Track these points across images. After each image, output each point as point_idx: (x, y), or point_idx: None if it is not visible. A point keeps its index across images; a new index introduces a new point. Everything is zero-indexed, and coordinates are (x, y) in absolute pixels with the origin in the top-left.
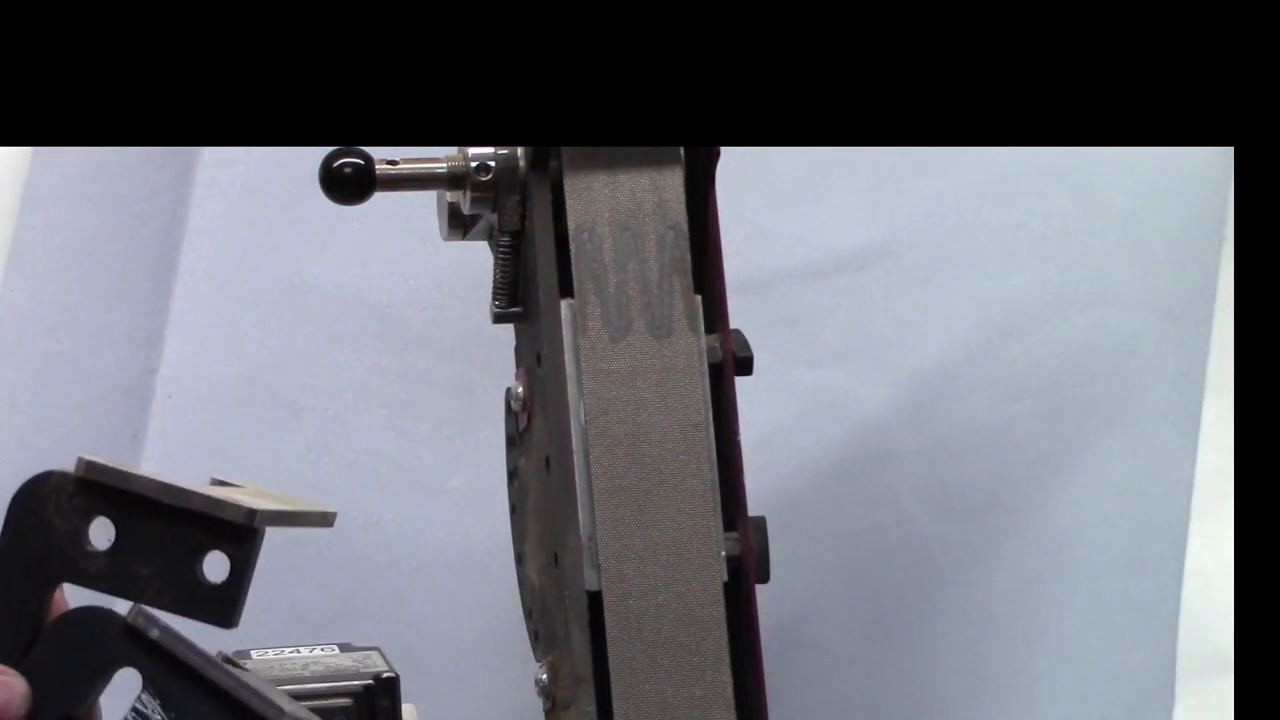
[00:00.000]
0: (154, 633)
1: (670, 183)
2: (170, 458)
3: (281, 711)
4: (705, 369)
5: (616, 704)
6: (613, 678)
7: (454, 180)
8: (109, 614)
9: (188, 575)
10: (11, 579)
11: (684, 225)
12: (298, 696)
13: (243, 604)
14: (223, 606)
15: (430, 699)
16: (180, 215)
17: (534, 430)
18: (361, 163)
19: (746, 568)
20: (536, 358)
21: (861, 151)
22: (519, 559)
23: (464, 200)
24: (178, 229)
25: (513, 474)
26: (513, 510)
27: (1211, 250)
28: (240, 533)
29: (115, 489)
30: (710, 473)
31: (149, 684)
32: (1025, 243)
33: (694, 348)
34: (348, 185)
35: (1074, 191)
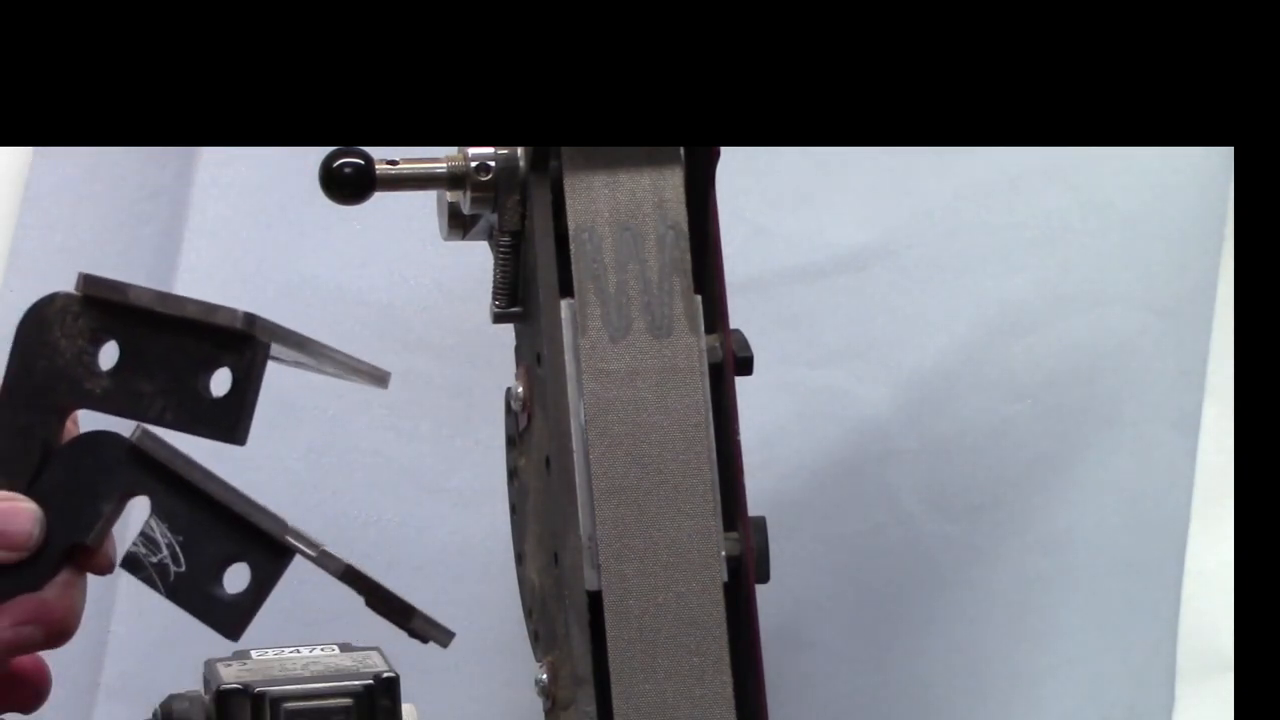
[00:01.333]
0: (157, 451)
1: (670, 183)
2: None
3: (285, 525)
4: (705, 369)
5: (616, 704)
6: (613, 678)
7: (454, 180)
8: (115, 436)
9: (190, 391)
10: (19, 403)
11: (684, 225)
12: (298, 696)
13: (248, 420)
14: (227, 421)
15: (430, 699)
16: (180, 215)
17: (534, 430)
18: (361, 163)
19: (746, 568)
20: (536, 358)
21: (861, 151)
22: (519, 559)
23: (464, 200)
24: (178, 229)
25: (513, 474)
26: (513, 510)
27: (1211, 250)
28: (240, 341)
29: (116, 304)
30: (710, 473)
31: (156, 507)
32: (1025, 243)
33: (694, 348)
34: (348, 185)
35: (1074, 191)
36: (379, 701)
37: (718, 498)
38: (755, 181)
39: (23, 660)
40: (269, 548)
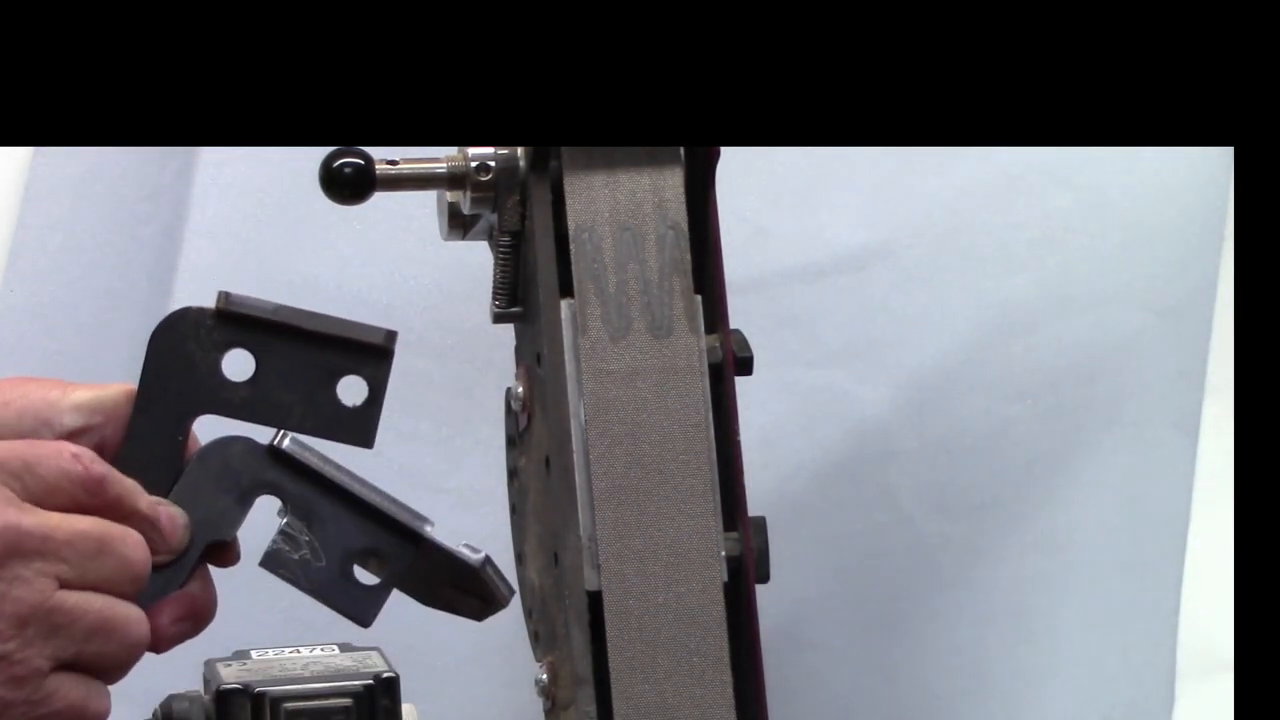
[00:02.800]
0: (305, 455)
1: (670, 183)
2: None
3: (424, 520)
4: (705, 369)
5: (616, 704)
6: (613, 678)
7: (454, 180)
8: (252, 441)
9: (328, 399)
10: (157, 414)
11: (684, 225)
12: (298, 697)
13: (377, 426)
14: (363, 427)
15: (430, 699)
16: (180, 215)
17: (534, 430)
18: (361, 163)
19: (746, 568)
20: (536, 358)
21: (861, 151)
22: (519, 559)
23: (464, 200)
24: (178, 229)
25: (513, 474)
26: (513, 510)
27: (1211, 250)
28: (378, 354)
29: (254, 319)
30: (710, 473)
31: (294, 507)
32: (1025, 243)
33: (694, 348)
34: (348, 185)
35: (1074, 191)
36: (379, 701)
37: (718, 498)
38: (755, 181)
39: None
40: (402, 536)
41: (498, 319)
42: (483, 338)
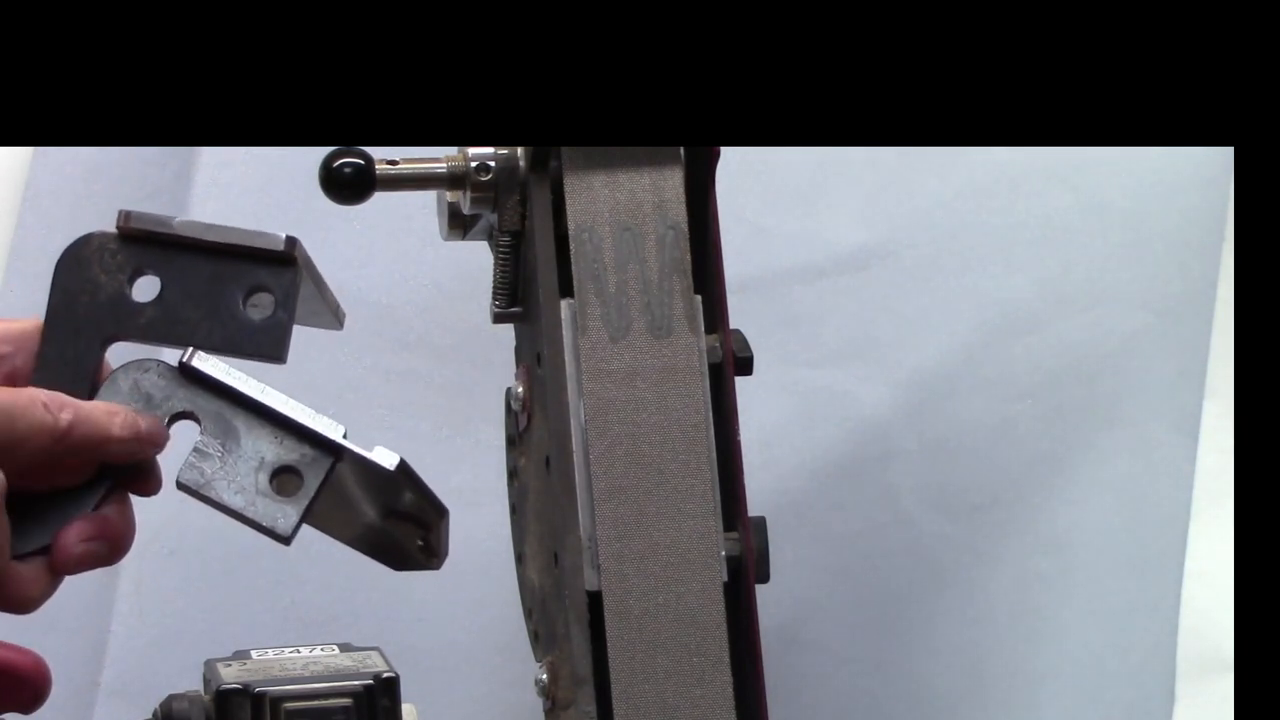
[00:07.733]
0: (214, 368)
1: (670, 183)
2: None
3: (337, 426)
4: (705, 369)
5: (616, 704)
6: (613, 678)
7: (454, 180)
8: (162, 362)
9: (235, 314)
10: (66, 339)
11: (684, 225)
12: (298, 697)
13: (289, 340)
14: (271, 341)
15: (430, 699)
16: (180, 215)
17: (534, 430)
18: (361, 163)
19: (746, 568)
20: (536, 358)
21: (861, 151)
22: (519, 559)
23: (464, 200)
24: None
25: (513, 474)
26: (513, 510)
27: (1211, 250)
28: (282, 263)
29: (158, 238)
30: (710, 473)
31: (208, 424)
32: (1025, 243)
33: (694, 348)
34: (348, 185)
35: (1074, 191)
36: (379, 701)
37: (718, 498)
38: (755, 181)
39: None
40: (318, 446)
41: (498, 319)
42: (483, 338)
